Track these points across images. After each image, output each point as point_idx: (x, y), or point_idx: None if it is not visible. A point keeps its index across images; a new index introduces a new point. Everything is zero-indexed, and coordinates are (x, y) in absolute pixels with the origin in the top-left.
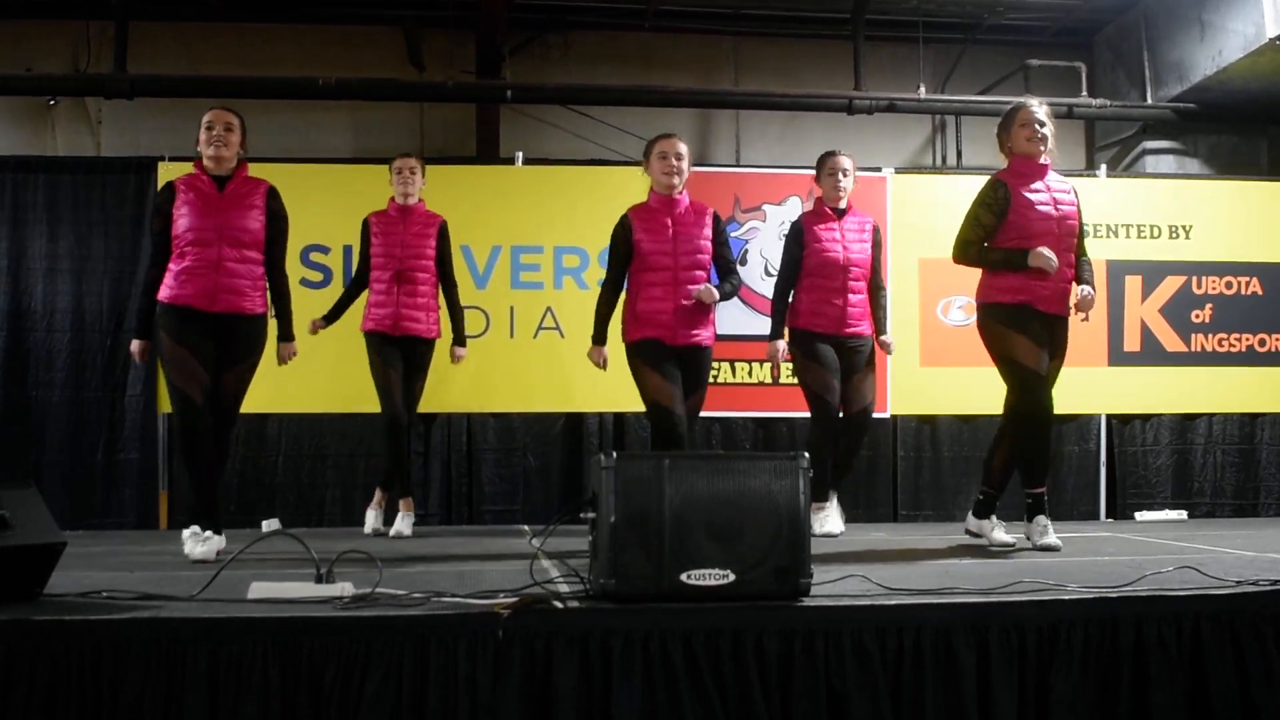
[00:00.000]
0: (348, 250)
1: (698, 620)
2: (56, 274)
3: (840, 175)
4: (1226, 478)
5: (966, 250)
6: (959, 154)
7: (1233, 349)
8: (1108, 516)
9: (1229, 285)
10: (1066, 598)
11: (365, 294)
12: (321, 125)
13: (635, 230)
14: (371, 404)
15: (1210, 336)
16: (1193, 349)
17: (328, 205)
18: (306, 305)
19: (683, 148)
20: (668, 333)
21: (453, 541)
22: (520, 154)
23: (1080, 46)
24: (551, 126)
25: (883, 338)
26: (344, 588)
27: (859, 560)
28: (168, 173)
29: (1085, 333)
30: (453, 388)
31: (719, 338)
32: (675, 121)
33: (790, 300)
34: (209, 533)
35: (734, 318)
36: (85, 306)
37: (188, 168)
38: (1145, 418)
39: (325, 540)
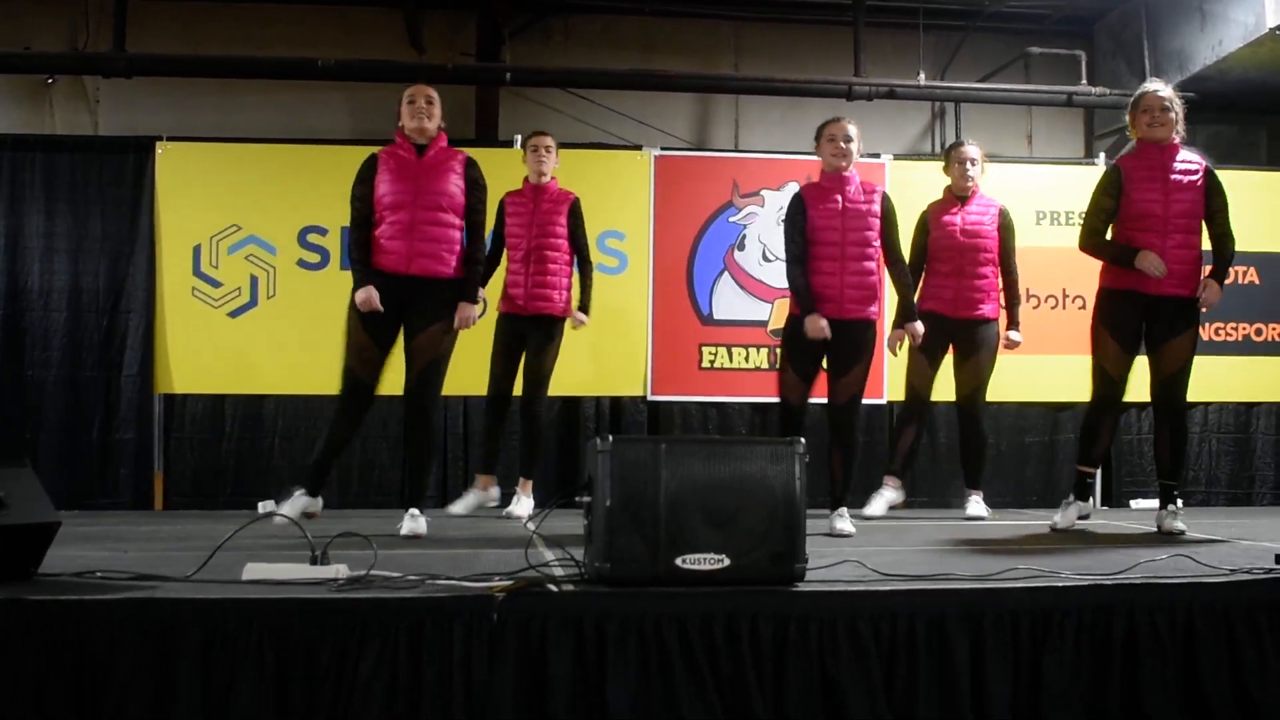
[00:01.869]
0: (344, 232)
1: (692, 604)
2: (53, 253)
3: (968, 164)
4: (1221, 466)
5: (1089, 239)
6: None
7: (1229, 338)
8: (1103, 504)
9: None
10: (1060, 585)
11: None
12: (320, 106)
13: (808, 206)
14: None
15: (1206, 325)
16: None
17: (325, 186)
18: (306, 287)
19: (852, 130)
20: (835, 307)
21: (448, 524)
22: (519, 137)
23: (1081, 35)
24: (551, 110)
25: (1010, 334)
26: (339, 569)
27: (854, 546)
28: (166, 152)
29: (1082, 321)
30: (449, 371)
31: (718, 322)
32: (675, 106)
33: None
34: (414, 511)
35: (730, 303)
36: (82, 286)
37: (186, 147)
38: (1141, 406)
39: (320, 522)
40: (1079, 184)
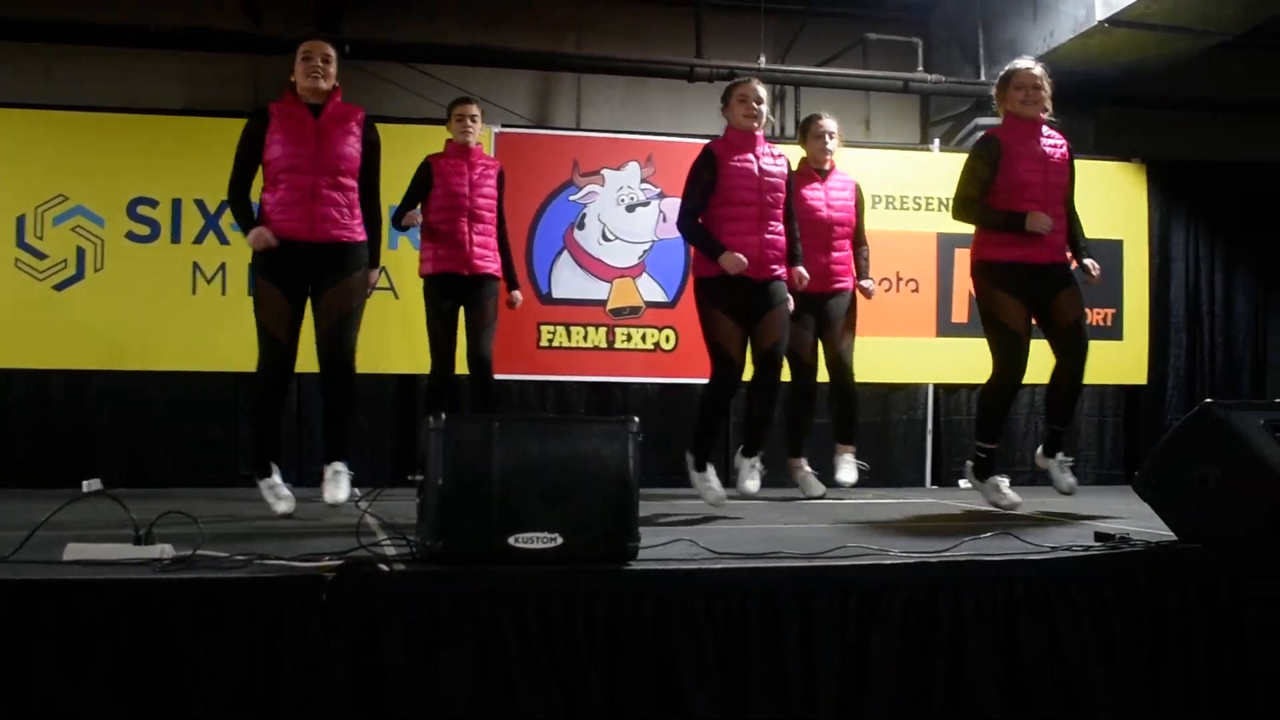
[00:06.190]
0: (177, 204)
1: (525, 583)
2: None
3: (826, 138)
4: None
5: (967, 208)
6: (797, 124)
7: None
8: (933, 483)
9: None
10: (888, 562)
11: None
12: (152, 74)
13: (721, 163)
14: (197, 362)
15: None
16: None
17: (157, 158)
18: (135, 260)
19: (762, 91)
20: (751, 268)
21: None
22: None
23: (917, 22)
24: (391, 84)
25: (863, 282)
26: (163, 549)
27: (688, 525)
28: None
29: (915, 304)
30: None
31: (557, 301)
32: (517, 82)
33: None
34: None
35: (570, 282)
36: None
37: (10, 114)
38: (970, 388)
39: (148, 501)
40: (914, 169)
